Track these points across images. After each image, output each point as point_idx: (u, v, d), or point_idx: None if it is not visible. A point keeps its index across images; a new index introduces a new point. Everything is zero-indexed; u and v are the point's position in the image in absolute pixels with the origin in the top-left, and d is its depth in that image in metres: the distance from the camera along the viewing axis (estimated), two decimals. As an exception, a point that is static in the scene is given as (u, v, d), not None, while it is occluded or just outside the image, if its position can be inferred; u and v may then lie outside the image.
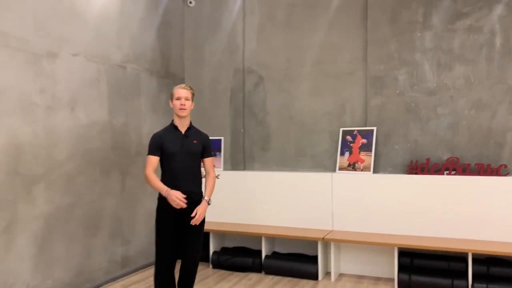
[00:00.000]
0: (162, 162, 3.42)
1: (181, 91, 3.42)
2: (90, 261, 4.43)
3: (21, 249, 3.71)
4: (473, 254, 4.26)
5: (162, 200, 3.35)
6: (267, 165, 5.63)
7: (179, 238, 3.38)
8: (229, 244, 5.53)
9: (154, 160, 3.36)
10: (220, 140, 5.78)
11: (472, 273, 4.22)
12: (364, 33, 5.20)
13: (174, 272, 3.41)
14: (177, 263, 3.45)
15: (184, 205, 3.23)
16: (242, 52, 5.81)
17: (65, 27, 4.16)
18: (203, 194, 3.46)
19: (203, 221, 3.42)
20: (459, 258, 4.39)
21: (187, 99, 3.42)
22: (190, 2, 5.97)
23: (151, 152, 3.37)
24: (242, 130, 5.77)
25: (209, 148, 3.58)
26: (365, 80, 5.20)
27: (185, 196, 3.24)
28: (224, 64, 5.88)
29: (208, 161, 3.54)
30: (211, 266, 5.23)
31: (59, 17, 4.09)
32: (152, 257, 5.15)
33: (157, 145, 3.38)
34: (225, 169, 5.73)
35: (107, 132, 4.64)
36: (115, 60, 4.79)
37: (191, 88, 3.52)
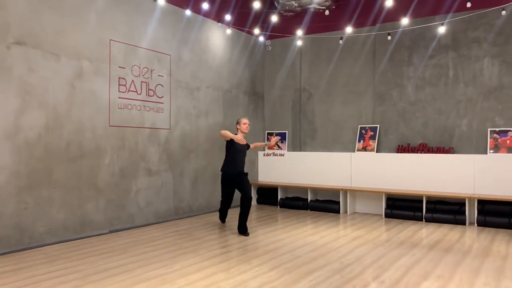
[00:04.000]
0: (229, 151, 6.45)
1: (246, 120, 6.57)
2: (214, 197, 8.28)
3: (186, 184, 7.63)
4: (426, 197, 7.43)
5: (223, 171, 6.52)
6: (314, 148, 9.12)
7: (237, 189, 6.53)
8: (290, 194, 9.15)
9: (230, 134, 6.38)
10: (285, 133, 9.37)
11: (425, 208, 7.40)
12: (373, 67, 8.49)
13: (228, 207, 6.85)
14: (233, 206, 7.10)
15: (244, 141, 6.32)
16: (299, 78, 9.35)
17: (203, 73, 8.03)
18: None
19: (247, 177, 6.49)
20: (419, 200, 7.56)
21: (249, 124, 6.64)
22: (268, 47, 9.64)
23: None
24: (299, 127, 9.32)
25: (248, 145, 6.74)
26: (373, 96, 8.49)
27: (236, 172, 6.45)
28: (288, 85, 9.47)
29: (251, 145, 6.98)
30: (278, 207, 8.87)
31: (200, 68, 7.97)
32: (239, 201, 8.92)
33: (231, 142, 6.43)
34: (288, 150, 9.32)
35: (222, 127, 8.44)
36: (226, 88, 8.61)
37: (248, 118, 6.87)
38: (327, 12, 8.11)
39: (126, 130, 6.54)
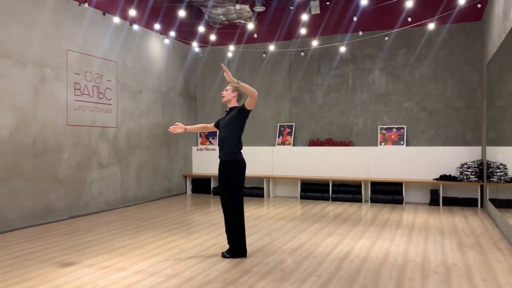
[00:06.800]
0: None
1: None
2: (155, 185, 9.39)
3: (131, 176, 8.65)
4: (332, 181, 9.25)
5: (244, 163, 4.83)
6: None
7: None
8: (221, 184, 10.52)
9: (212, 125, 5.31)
10: (216, 131, 10.70)
11: (331, 190, 9.22)
12: (289, 75, 10.15)
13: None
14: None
15: (173, 130, 5.13)
16: (228, 82, 10.71)
17: (144, 78, 9.08)
18: (235, 155, 4.80)
19: (229, 181, 4.77)
20: (326, 184, 9.37)
21: (226, 90, 4.92)
22: (199, 55, 10.89)
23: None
24: (227, 125, 10.71)
25: (241, 106, 4.85)
26: (289, 99, 10.16)
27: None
28: (217, 88, 10.81)
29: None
30: (211, 195, 10.19)
31: (142, 73, 9.01)
32: (176, 191, 10.15)
33: (217, 120, 5.22)
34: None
35: (161, 126, 9.56)
36: (164, 90, 9.73)
37: (231, 85, 4.85)
38: (255, 35, 9.60)
39: (81, 129, 7.44)
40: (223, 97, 4.99)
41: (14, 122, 6.23)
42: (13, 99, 6.22)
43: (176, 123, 5.38)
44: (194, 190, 10.57)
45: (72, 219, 7.14)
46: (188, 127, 5.42)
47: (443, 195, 8.53)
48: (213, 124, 5.36)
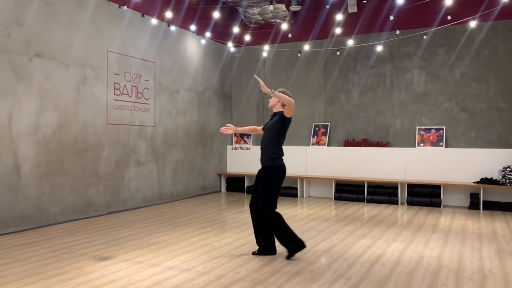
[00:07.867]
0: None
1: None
2: (190, 183, 9.57)
3: (167, 173, 8.86)
4: (367, 182, 9.10)
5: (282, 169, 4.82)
6: (275, 143, 10.58)
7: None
8: (255, 182, 10.58)
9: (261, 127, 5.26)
10: (250, 129, 10.78)
11: (367, 191, 9.07)
12: (325, 74, 10.06)
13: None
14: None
15: (225, 131, 5.29)
16: (263, 80, 10.75)
17: (181, 78, 9.27)
18: (274, 161, 4.81)
19: (266, 184, 4.83)
20: (362, 185, 9.23)
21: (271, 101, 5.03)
22: (235, 54, 10.99)
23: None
24: (262, 124, 10.74)
25: (280, 114, 4.87)
26: (325, 98, 10.07)
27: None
28: (252, 87, 10.87)
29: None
30: (245, 193, 10.27)
31: (179, 73, 9.20)
32: (211, 188, 10.29)
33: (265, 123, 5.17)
34: (253, 145, 10.72)
35: (197, 125, 9.73)
36: (200, 90, 9.89)
37: (279, 91, 4.86)
38: (289, 35, 9.59)
39: (120, 127, 7.69)
40: (269, 103, 5.15)
41: (57, 120, 6.53)
42: (56, 98, 6.52)
43: (227, 125, 5.48)
44: (228, 189, 10.69)
45: (110, 214, 7.40)
46: (238, 128, 5.48)
47: (483, 199, 8.22)
48: (261, 127, 5.38)
